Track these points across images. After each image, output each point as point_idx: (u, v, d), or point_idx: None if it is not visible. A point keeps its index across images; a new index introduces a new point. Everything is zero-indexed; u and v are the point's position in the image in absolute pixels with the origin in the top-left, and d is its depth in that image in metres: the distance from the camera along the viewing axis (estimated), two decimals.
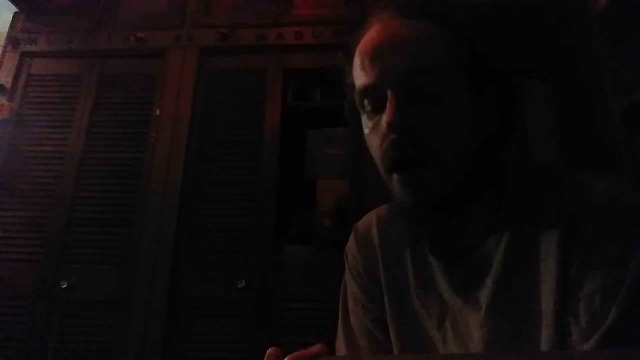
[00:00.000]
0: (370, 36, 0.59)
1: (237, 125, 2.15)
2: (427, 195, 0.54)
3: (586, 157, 1.98)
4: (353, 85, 0.62)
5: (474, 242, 0.58)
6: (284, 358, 0.46)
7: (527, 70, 2.12)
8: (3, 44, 2.34)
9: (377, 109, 0.57)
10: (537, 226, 0.54)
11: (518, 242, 0.54)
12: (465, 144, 0.55)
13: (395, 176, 0.55)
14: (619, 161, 1.72)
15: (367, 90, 0.57)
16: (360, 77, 0.58)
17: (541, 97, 2.17)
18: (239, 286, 1.85)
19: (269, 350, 0.47)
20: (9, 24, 2.39)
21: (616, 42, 1.81)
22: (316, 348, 0.46)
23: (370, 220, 0.73)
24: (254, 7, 2.34)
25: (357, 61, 0.59)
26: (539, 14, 2.19)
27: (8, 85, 2.23)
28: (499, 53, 0.60)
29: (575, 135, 2.07)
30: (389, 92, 0.54)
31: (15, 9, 2.40)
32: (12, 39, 2.34)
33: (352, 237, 0.74)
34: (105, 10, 2.39)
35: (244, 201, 2.02)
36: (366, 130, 0.60)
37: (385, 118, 0.54)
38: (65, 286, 1.89)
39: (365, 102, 0.58)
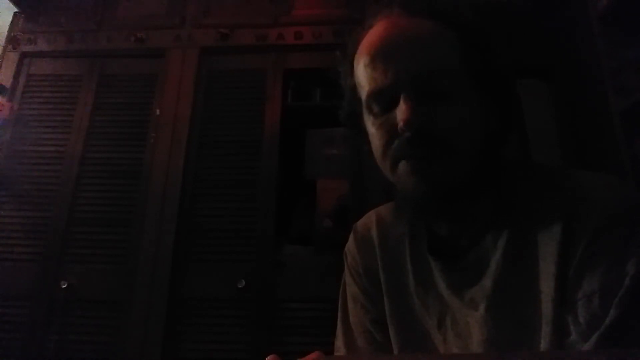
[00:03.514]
0: (377, 35, 0.58)
1: (237, 125, 2.15)
2: (435, 183, 0.54)
3: (586, 157, 1.98)
4: (353, 85, 0.61)
5: (471, 241, 0.58)
6: None
7: (526, 70, 2.12)
8: (3, 44, 2.34)
9: (385, 109, 0.57)
10: (536, 225, 0.54)
11: (516, 241, 0.55)
12: (473, 140, 0.55)
13: (402, 164, 0.55)
14: (619, 161, 1.72)
15: (379, 92, 0.56)
16: (370, 78, 0.57)
17: (541, 97, 2.17)
18: (239, 286, 1.85)
19: (268, 358, 0.46)
20: (9, 24, 2.39)
21: (616, 42, 1.81)
22: (314, 355, 0.46)
23: (369, 220, 0.73)
24: (254, 7, 2.34)
25: (365, 60, 0.58)
26: (539, 14, 2.19)
27: (8, 85, 2.24)
28: (500, 52, 0.60)
29: (575, 135, 2.07)
30: (402, 94, 0.54)
31: (15, 9, 2.40)
32: (12, 39, 2.34)
33: (351, 237, 0.74)
34: (105, 10, 2.39)
35: (244, 201, 2.02)
36: (372, 130, 0.59)
37: (400, 116, 0.53)
38: (65, 286, 1.89)
39: (374, 104, 0.58)
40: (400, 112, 0.53)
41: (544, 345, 0.49)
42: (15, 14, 2.41)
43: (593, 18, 1.89)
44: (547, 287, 0.51)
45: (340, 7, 2.27)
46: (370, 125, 0.59)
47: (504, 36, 0.66)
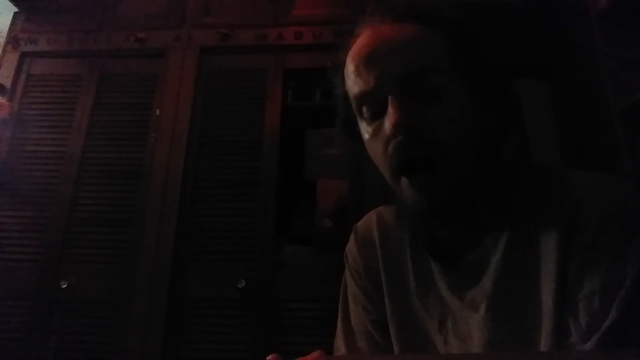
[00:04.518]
0: (362, 42, 0.58)
1: (237, 125, 2.15)
2: (439, 195, 0.54)
3: (586, 157, 1.98)
4: (345, 95, 0.61)
5: (471, 241, 0.58)
6: None
7: (526, 70, 2.12)
8: (3, 44, 2.34)
9: (376, 115, 0.57)
10: (536, 226, 0.54)
11: (517, 242, 0.54)
12: (468, 139, 0.55)
13: (404, 180, 0.55)
14: (619, 161, 1.72)
15: (365, 97, 0.57)
16: (356, 83, 0.57)
17: (541, 97, 2.17)
18: (239, 286, 1.85)
19: (269, 357, 0.46)
20: (9, 24, 2.39)
21: (616, 42, 1.81)
22: (315, 354, 0.46)
23: (370, 220, 0.73)
24: (254, 7, 2.34)
25: (350, 68, 0.58)
26: (539, 14, 2.19)
27: (8, 85, 2.23)
28: (492, 51, 0.59)
29: (575, 135, 2.07)
30: (389, 97, 0.54)
31: (15, 9, 2.40)
32: (12, 39, 2.34)
33: (352, 238, 0.74)
34: (105, 10, 2.39)
35: (244, 201, 2.02)
36: (366, 136, 0.59)
37: (389, 121, 0.53)
38: (65, 286, 1.89)
39: (364, 108, 0.58)
40: (389, 116, 0.53)
41: (544, 345, 0.49)
42: (15, 14, 2.41)
43: (593, 18, 1.89)
44: (547, 287, 0.51)
45: (340, 7, 2.27)
46: (364, 132, 0.59)
47: (496, 33, 0.66)
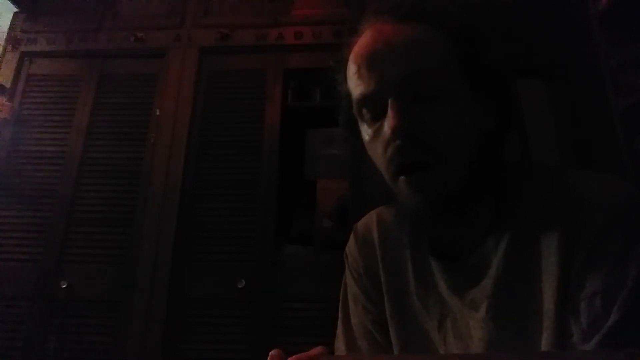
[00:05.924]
0: (364, 42, 0.58)
1: (237, 125, 2.15)
2: (435, 195, 0.54)
3: (586, 157, 1.98)
4: (348, 93, 0.61)
5: (472, 243, 0.58)
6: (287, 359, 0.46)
7: (527, 70, 2.12)
8: (3, 44, 2.34)
9: (377, 117, 0.57)
10: (538, 227, 0.54)
11: (518, 242, 0.54)
12: (467, 142, 0.55)
13: (402, 179, 0.55)
14: (619, 161, 1.72)
15: (365, 99, 0.57)
16: (357, 85, 0.57)
17: (541, 97, 2.17)
18: (239, 286, 1.85)
19: (272, 352, 0.46)
20: (9, 24, 2.39)
21: (616, 42, 1.81)
22: (317, 350, 0.45)
23: (370, 220, 0.73)
24: (254, 7, 2.34)
25: (352, 69, 0.58)
26: (539, 14, 2.19)
27: (8, 85, 2.24)
28: (495, 52, 0.59)
29: (575, 136, 2.07)
30: (389, 99, 0.54)
31: (15, 9, 2.40)
32: (12, 39, 2.34)
33: (352, 238, 0.74)
34: (105, 10, 2.39)
35: (244, 201, 2.02)
36: (366, 138, 0.59)
37: (388, 124, 0.53)
38: (65, 286, 1.89)
39: (364, 111, 0.58)
40: (388, 119, 0.53)
41: (545, 346, 0.49)
42: (15, 14, 2.41)
43: (593, 18, 1.89)
44: (549, 288, 0.50)
45: (340, 7, 2.27)
46: (365, 134, 0.59)
47: (498, 33, 0.65)
